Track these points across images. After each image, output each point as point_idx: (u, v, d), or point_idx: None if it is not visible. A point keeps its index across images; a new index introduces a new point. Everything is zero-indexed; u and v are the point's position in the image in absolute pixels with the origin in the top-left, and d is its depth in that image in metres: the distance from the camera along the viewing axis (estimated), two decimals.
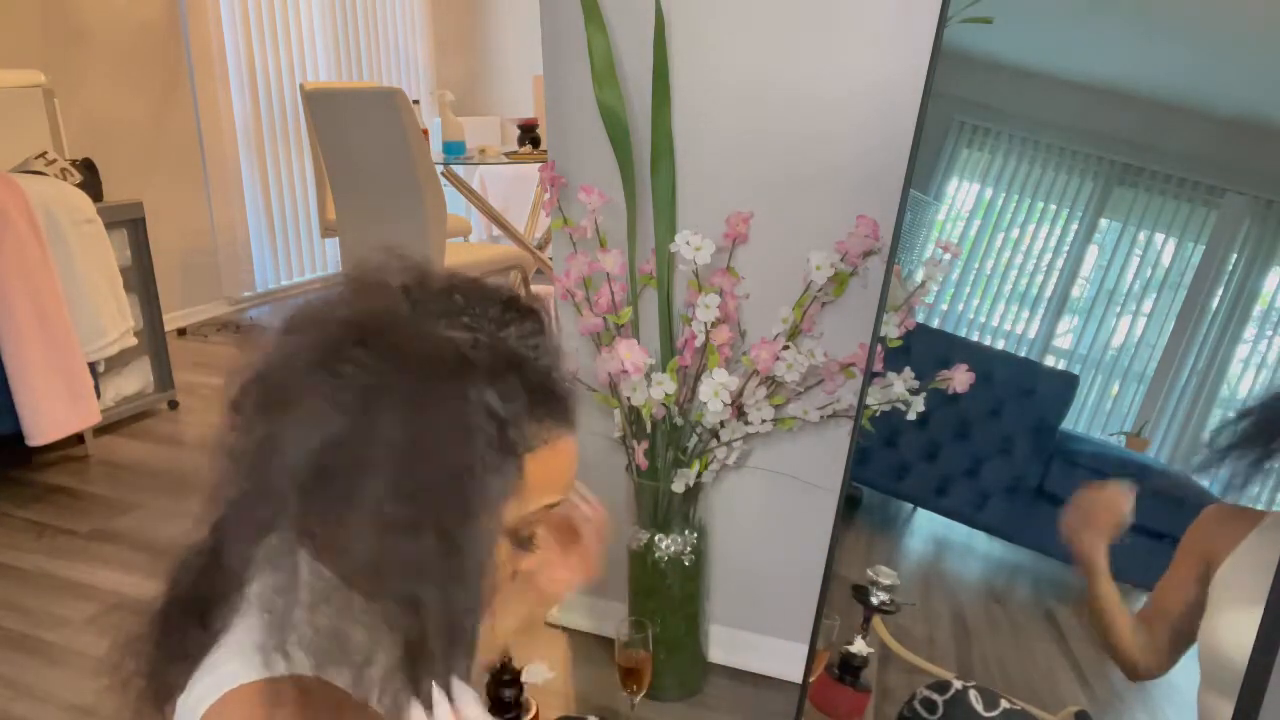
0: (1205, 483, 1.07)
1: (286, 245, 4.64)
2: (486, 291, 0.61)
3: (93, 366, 2.59)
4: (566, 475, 0.63)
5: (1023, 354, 1.24)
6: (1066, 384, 1.18)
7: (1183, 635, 1.06)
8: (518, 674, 1.53)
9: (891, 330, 1.27)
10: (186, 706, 0.56)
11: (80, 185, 2.61)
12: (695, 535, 1.56)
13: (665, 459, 1.51)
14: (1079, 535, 1.13)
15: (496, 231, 4.52)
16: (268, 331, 0.61)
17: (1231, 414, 1.07)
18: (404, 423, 0.53)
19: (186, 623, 0.60)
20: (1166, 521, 1.09)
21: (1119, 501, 1.10)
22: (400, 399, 0.54)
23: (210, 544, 0.62)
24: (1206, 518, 1.05)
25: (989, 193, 1.25)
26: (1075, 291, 1.19)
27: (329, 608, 0.56)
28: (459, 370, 0.55)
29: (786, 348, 1.37)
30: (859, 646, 1.34)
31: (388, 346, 0.55)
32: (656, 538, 1.54)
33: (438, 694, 0.59)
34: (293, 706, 0.53)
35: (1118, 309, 1.15)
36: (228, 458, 0.58)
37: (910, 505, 1.41)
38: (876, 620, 1.34)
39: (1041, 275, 1.22)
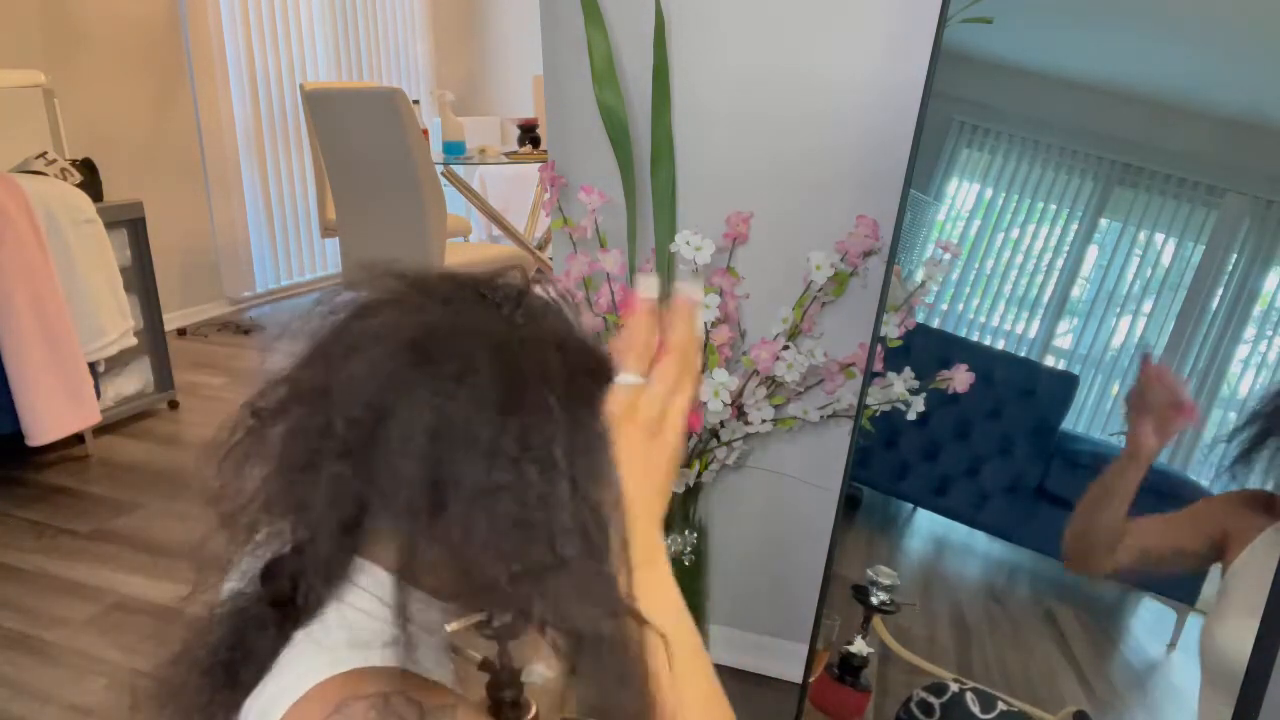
0: (1205, 482, 1.07)
1: (286, 245, 4.64)
2: (499, 286, 0.60)
3: (93, 366, 2.59)
4: None
5: (1023, 354, 1.24)
6: (1066, 384, 1.18)
7: (1148, 560, 1.09)
8: (517, 674, 1.52)
9: (891, 330, 1.27)
10: (255, 709, 0.55)
11: (80, 185, 2.61)
12: (695, 535, 1.56)
13: None
14: (1139, 417, 1.11)
15: (496, 231, 4.52)
16: (287, 363, 0.57)
17: (1233, 414, 1.07)
18: (525, 431, 0.52)
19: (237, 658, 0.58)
20: None
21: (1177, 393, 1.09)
22: (513, 407, 0.52)
23: (265, 591, 0.58)
24: (1235, 494, 1.04)
25: (989, 193, 1.25)
26: (1075, 292, 1.19)
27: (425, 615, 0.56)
28: (547, 363, 0.55)
29: (786, 348, 1.37)
30: (859, 646, 1.34)
31: (458, 356, 0.53)
32: None
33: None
34: (374, 694, 0.52)
35: (1118, 309, 1.15)
36: (279, 497, 0.56)
37: (910, 505, 1.40)
38: (876, 620, 1.34)
39: (1041, 275, 1.22)
